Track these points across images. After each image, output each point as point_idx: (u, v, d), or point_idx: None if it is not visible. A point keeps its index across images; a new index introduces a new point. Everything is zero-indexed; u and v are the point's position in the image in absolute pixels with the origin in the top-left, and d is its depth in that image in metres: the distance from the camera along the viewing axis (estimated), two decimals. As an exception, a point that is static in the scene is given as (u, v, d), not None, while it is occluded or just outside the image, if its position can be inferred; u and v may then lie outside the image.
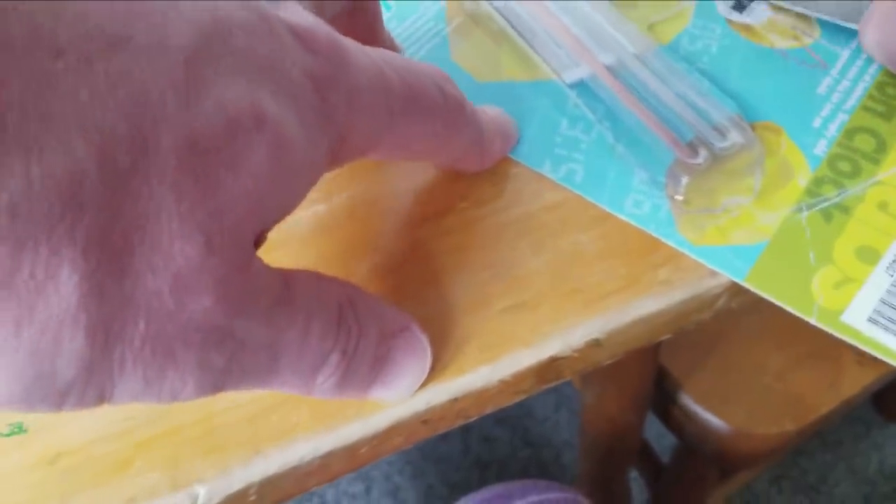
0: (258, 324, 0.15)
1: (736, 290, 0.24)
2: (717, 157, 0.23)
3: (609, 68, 0.26)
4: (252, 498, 0.20)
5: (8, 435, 0.20)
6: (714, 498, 0.70)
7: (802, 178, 0.24)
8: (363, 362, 0.18)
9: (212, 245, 0.14)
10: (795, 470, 0.92)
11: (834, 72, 0.26)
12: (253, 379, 0.16)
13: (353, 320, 0.18)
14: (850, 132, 0.24)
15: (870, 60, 0.26)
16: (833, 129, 0.25)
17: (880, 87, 0.25)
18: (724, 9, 0.28)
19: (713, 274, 0.23)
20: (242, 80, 0.15)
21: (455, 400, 0.21)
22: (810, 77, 0.26)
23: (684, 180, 0.23)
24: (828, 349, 0.60)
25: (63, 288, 0.12)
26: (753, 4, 0.28)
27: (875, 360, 0.57)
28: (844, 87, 0.25)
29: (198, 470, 0.19)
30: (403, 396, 0.20)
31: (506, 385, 0.22)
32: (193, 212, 0.14)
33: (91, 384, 0.13)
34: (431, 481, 0.87)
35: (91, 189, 0.12)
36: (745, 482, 0.73)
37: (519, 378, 0.22)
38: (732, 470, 0.67)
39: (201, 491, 0.19)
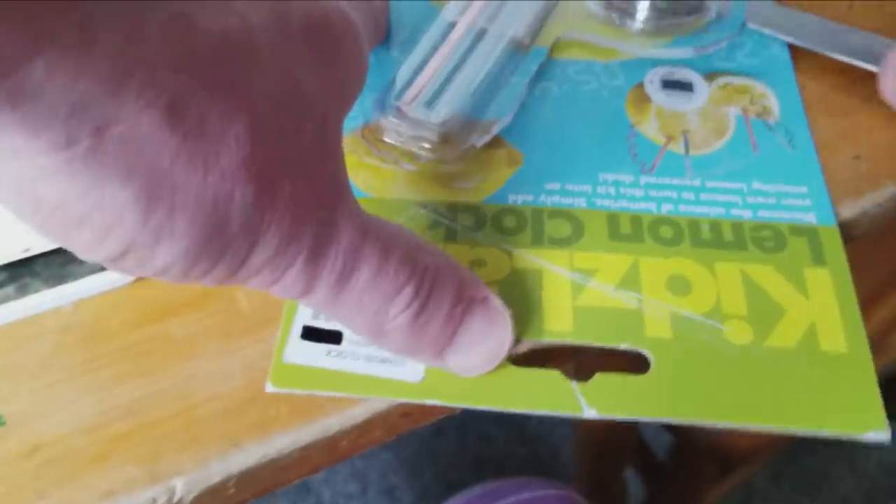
0: (350, 223, 0.17)
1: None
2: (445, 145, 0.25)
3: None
4: (231, 491, 0.20)
5: (-15, 428, 0.20)
6: (712, 495, 0.70)
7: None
8: (439, 311, 0.18)
9: (337, 125, 0.17)
10: (795, 466, 0.92)
11: None
12: (339, 280, 0.17)
13: (432, 265, 0.18)
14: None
15: None
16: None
17: None
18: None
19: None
20: None
21: (436, 392, 0.21)
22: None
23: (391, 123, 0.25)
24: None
25: (241, 140, 0.14)
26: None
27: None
28: None
29: (176, 463, 0.19)
30: (481, 369, 0.20)
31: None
32: (329, 89, 0.17)
33: (245, 240, 0.15)
34: (428, 480, 0.86)
35: (265, 54, 0.15)
36: (743, 479, 0.73)
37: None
38: (730, 466, 0.66)
39: (178, 484, 0.19)
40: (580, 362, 0.21)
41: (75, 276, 0.22)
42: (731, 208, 0.24)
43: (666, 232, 0.23)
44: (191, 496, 0.19)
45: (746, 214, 0.23)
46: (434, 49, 0.27)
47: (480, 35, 0.27)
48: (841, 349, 0.20)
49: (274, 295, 0.17)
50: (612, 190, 0.24)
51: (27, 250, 0.21)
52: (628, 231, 0.23)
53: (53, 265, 0.22)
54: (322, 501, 0.85)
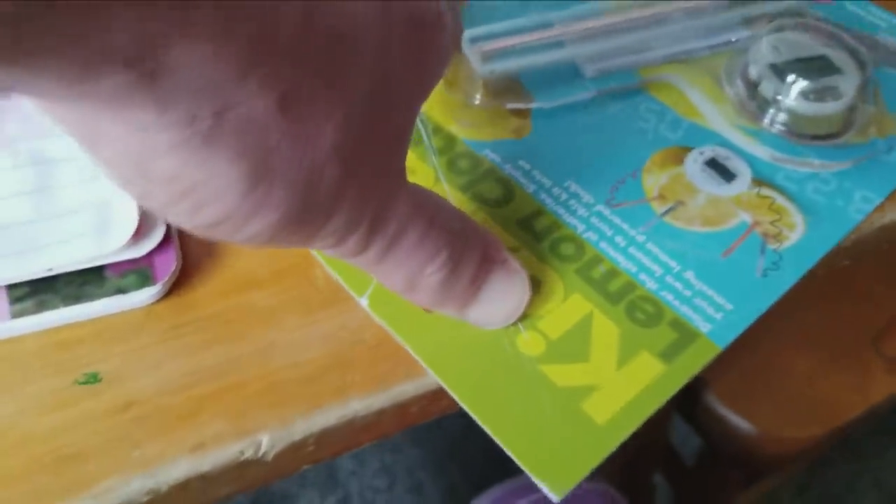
0: (406, 197, 0.19)
1: (770, 272, 0.25)
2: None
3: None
4: (310, 448, 0.21)
5: (83, 384, 0.22)
6: (738, 503, 0.70)
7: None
8: (466, 272, 0.21)
9: (412, 116, 0.18)
10: (820, 480, 0.92)
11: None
12: (387, 241, 0.19)
13: (463, 231, 0.21)
14: None
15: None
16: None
17: None
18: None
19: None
20: None
21: (500, 366, 0.22)
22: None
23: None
24: (856, 355, 0.61)
25: (337, 128, 0.16)
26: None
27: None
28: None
29: (261, 420, 0.21)
30: (499, 321, 0.22)
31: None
32: (416, 82, 0.18)
33: (325, 213, 0.17)
34: (454, 480, 0.87)
35: (368, 50, 0.16)
36: (768, 490, 0.73)
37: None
38: (757, 474, 0.67)
39: (264, 439, 0.20)
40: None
41: (91, 297, 0.22)
42: (643, 273, 0.23)
43: (567, 248, 0.24)
44: (274, 451, 0.21)
45: (650, 285, 0.23)
46: (542, 26, 0.28)
47: (590, 37, 0.29)
48: (598, 420, 0.20)
49: (327, 254, 0.19)
50: (564, 195, 0.25)
51: (50, 270, 0.22)
52: (541, 226, 0.24)
53: (73, 285, 0.23)
54: (350, 494, 0.86)
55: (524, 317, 0.22)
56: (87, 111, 0.14)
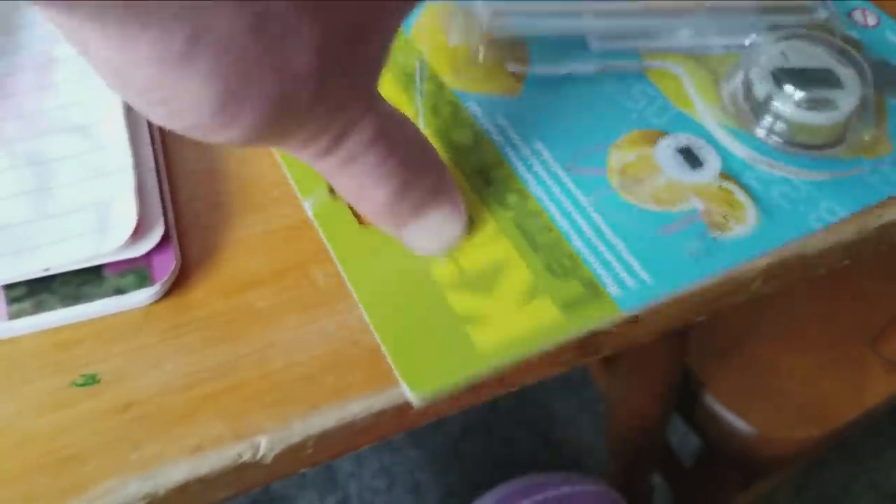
0: (373, 121, 0.19)
1: (770, 274, 0.25)
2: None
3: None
4: (309, 451, 0.21)
5: (82, 385, 0.21)
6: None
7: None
8: (411, 198, 0.21)
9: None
10: (817, 481, 0.92)
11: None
12: (341, 158, 0.20)
13: (422, 161, 0.22)
14: None
15: None
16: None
17: None
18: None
19: (749, 259, 0.24)
20: None
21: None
22: None
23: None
24: (855, 356, 0.61)
25: (313, 53, 0.16)
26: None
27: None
28: None
29: (259, 422, 0.21)
30: (429, 250, 0.23)
31: (547, 356, 0.23)
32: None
33: (297, 125, 0.18)
34: (453, 479, 0.87)
35: None
36: (766, 491, 0.73)
37: (560, 350, 0.23)
38: (755, 474, 0.67)
39: (263, 441, 0.20)
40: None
41: (90, 298, 0.22)
42: (575, 233, 0.24)
43: (512, 198, 0.25)
44: (273, 454, 0.21)
45: (577, 244, 0.24)
46: None
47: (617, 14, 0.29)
48: (478, 346, 0.22)
49: (288, 154, 0.20)
50: (528, 153, 0.26)
51: (47, 269, 0.22)
52: (496, 176, 0.25)
53: (71, 285, 0.22)
54: (349, 495, 0.86)
55: (449, 251, 0.23)
56: (77, 21, 0.15)
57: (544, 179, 0.25)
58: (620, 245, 0.24)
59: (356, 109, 0.19)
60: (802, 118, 0.26)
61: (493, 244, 0.24)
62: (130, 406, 0.21)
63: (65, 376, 0.21)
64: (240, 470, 0.21)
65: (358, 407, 0.21)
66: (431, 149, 0.22)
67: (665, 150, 0.26)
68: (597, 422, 0.93)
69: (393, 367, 0.21)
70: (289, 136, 0.18)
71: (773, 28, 0.29)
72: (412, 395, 0.21)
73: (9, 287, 0.22)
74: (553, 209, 0.25)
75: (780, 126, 0.27)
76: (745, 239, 0.24)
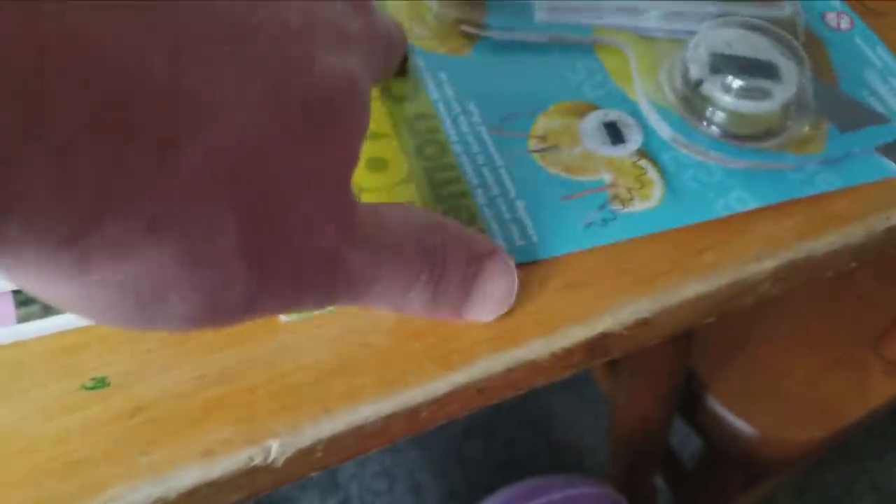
0: (358, 252, 0.18)
1: (778, 277, 0.25)
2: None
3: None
4: (319, 454, 0.21)
5: (91, 388, 0.21)
6: (737, 505, 0.70)
7: None
8: (452, 281, 0.20)
9: (340, 188, 0.18)
10: (818, 483, 0.92)
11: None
12: (354, 295, 0.19)
13: (441, 244, 0.20)
14: None
15: None
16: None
17: None
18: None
19: (757, 260, 0.24)
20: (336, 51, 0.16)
21: (510, 370, 0.22)
22: None
23: None
24: (857, 357, 0.61)
25: (232, 235, 0.15)
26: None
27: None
28: None
29: (270, 426, 0.21)
30: (495, 315, 0.22)
31: (557, 358, 0.23)
32: (323, 173, 0.17)
33: (248, 311, 0.17)
34: (454, 480, 0.87)
35: (251, 161, 0.15)
36: (767, 492, 0.73)
37: (570, 352, 0.23)
38: (757, 476, 0.67)
39: (274, 445, 0.20)
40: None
41: None
42: (480, 188, 0.25)
43: (430, 149, 0.26)
44: (284, 457, 0.20)
45: (480, 199, 0.25)
46: None
47: None
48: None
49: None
50: (458, 110, 0.27)
51: None
52: (421, 127, 0.26)
53: None
54: (350, 497, 0.86)
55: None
56: None
57: (466, 137, 0.26)
58: (521, 206, 0.25)
59: (326, 264, 0.18)
60: (732, 106, 0.26)
61: (401, 188, 0.25)
62: (140, 410, 0.21)
63: (74, 380, 0.21)
64: (251, 474, 0.20)
65: (368, 411, 0.21)
66: (444, 221, 0.21)
67: (591, 122, 0.27)
68: (598, 423, 0.93)
69: None
70: (253, 317, 0.17)
71: (729, 17, 0.29)
72: None
73: (17, 290, 0.22)
74: (467, 164, 0.25)
75: (710, 111, 0.27)
76: (642, 214, 0.25)
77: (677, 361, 0.57)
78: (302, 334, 0.22)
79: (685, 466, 0.73)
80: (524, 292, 0.23)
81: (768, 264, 0.24)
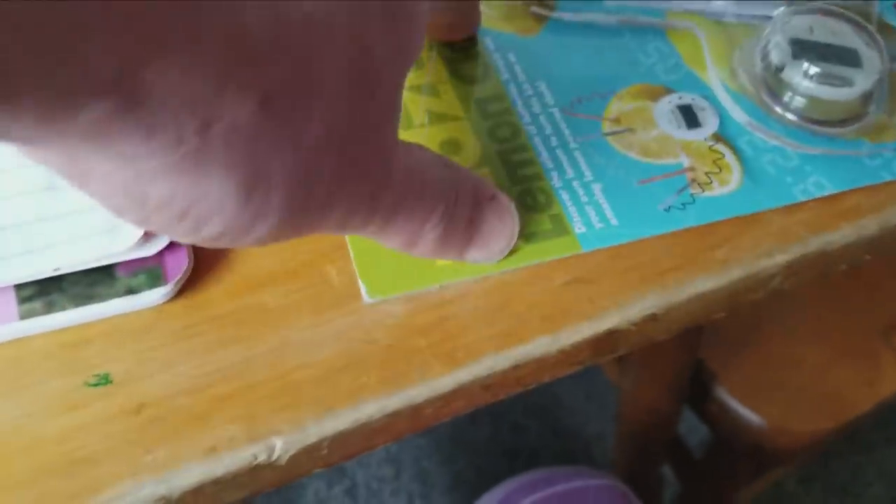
0: (400, 170, 0.19)
1: (790, 271, 0.24)
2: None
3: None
4: (324, 452, 0.21)
5: (94, 385, 0.21)
6: (745, 494, 0.70)
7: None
8: (461, 221, 0.21)
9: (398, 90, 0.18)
10: (826, 471, 0.92)
11: None
12: (384, 218, 0.19)
13: (454, 184, 0.21)
14: None
15: None
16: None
17: None
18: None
19: (769, 255, 0.24)
20: None
21: (516, 367, 0.22)
22: None
23: None
24: (867, 348, 0.60)
25: (322, 119, 0.16)
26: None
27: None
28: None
29: (274, 423, 0.20)
30: (494, 258, 0.23)
31: (564, 355, 0.22)
32: (397, 53, 0.17)
33: (325, 207, 0.17)
34: (460, 467, 0.88)
35: (342, 30, 0.15)
36: (774, 481, 0.73)
37: (577, 349, 0.22)
38: (765, 466, 0.67)
39: (278, 443, 0.20)
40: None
41: (101, 298, 0.22)
42: (556, 171, 0.25)
43: (504, 131, 0.25)
44: (288, 455, 0.20)
45: (555, 182, 0.24)
46: None
47: None
48: (438, 262, 0.23)
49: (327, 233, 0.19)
50: (530, 91, 0.27)
51: (57, 269, 0.22)
52: (493, 109, 0.26)
53: (82, 285, 0.22)
54: (356, 484, 0.86)
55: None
56: (69, 150, 0.13)
57: (539, 118, 0.26)
58: (597, 188, 0.24)
59: (383, 165, 0.18)
60: (813, 92, 0.26)
61: (475, 171, 0.24)
62: (143, 407, 0.21)
63: (77, 377, 0.21)
64: (254, 471, 0.20)
65: (372, 408, 0.21)
66: (451, 162, 0.22)
67: (665, 106, 0.27)
68: (605, 411, 0.93)
69: (355, 266, 0.23)
70: (328, 217, 0.17)
71: (804, 2, 0.28)
72: (366, 294, 0.22)
73: (19, 287, 0.22)
74: (540, 146, 0.25)
75: (788, 97, 0.26)
76: (722, 198, 0.25)
77: (686, 352, 0.56)
78: (306, 331, 0.22)
79: (693, 455, 0.73)
80: (530, 289, 0.23)
81: (781, 259, 0.24)
